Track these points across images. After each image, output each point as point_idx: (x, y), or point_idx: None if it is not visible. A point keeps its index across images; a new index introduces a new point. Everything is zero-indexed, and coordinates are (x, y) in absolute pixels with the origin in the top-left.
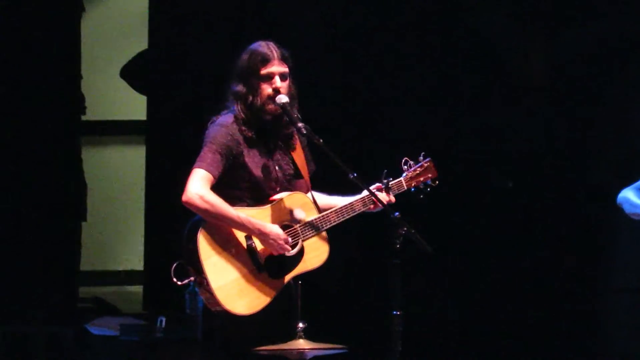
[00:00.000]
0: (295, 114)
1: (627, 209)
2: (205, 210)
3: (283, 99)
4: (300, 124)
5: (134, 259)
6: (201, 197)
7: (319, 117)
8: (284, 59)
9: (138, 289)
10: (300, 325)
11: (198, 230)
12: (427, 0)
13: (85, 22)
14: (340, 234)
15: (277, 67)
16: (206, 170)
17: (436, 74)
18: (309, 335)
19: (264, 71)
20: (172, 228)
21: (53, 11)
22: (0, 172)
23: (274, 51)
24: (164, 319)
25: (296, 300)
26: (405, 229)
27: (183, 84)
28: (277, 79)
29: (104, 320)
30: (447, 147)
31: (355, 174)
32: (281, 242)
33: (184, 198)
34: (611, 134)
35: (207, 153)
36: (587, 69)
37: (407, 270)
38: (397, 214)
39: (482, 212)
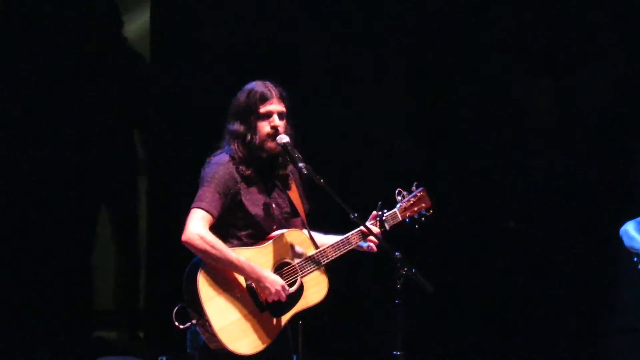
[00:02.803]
0: (296, 154)
1: (625, 242)
2: (205, 251)
3: (284, 138)
4: (301, 164)
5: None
6: (201, 238)
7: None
8: (281, 98)
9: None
10: None
11: (197, 271)
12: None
13: None
14: (343, 271)
15: (275, 106)
16: (205, 209)
17: (442, 111)
18: None
19: (262, 109)
20: (174, 267)
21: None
22: (12, 210)
23: (272, 90)
24: (165, 359)
25: (297, 339)
26: (406, 268)
27: (185, 125)
28: (275, 117)
29: None
30: (451, 183)
31: (356, 214)
32: (278, 288)
33: (184, 238)
34: (615, 173)
35: (206, 192)
36: (594, 110)
37: (409, 310)
38: (398, 253)
39: (485, 250)
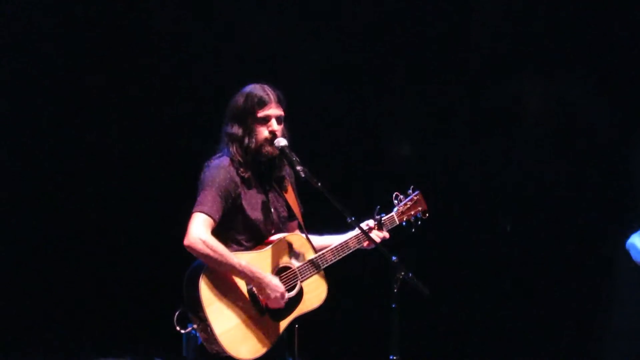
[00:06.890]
0: (294, 157)
1: (634, 256)
2: (207, 255)
3: (282, 142)
4: (299, 167)
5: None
6: (204, 242)
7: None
8: (279, 102)
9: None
10: None
11: (199, 275)
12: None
13: None
14: (340, 276)
15: (274, 110)
16: (207, 214)
17: (435, 108)
18: None
19: (260, 114)
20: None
21: None
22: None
23: (271, 94)
24: None
25: (293, 343)
26: (403, 273)
27: None
28: (273, 121)
29: None
30: (445, 184)
31: (353, 218)
32: (277, 295)
33: (186, 242)
34: (610, 174)
35: (207, 196)
36: (585, 110)
37: (406, 314)
38: (394, 258)
39: (480, 254)
